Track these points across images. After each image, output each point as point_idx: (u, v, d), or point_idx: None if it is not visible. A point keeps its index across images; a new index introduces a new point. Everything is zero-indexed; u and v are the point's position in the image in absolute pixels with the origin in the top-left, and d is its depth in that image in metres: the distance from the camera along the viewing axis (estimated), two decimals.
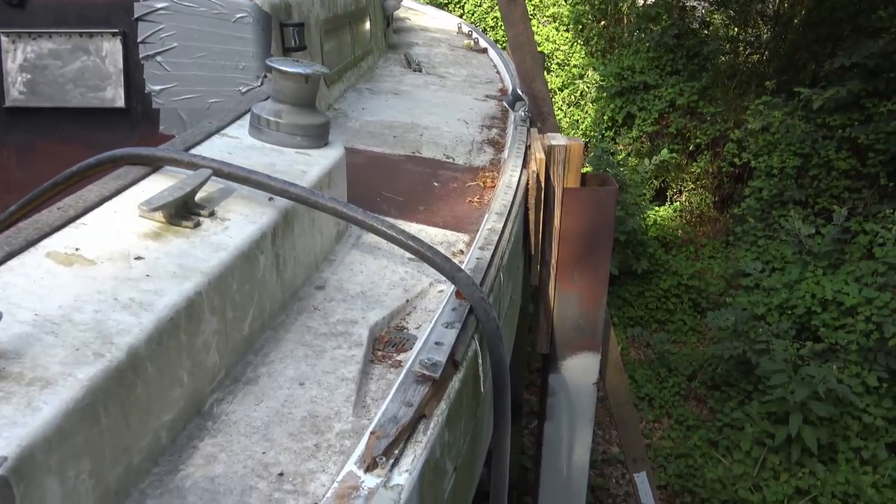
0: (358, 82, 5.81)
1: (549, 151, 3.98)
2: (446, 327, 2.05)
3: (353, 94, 5.48)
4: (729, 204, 10.97)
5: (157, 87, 3.93)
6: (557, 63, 14.68)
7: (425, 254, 2.16)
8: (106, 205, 2.12)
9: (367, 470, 1.54)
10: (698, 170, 11.32)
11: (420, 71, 6.75)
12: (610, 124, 12.55)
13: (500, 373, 2.17)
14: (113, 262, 1.85)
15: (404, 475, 1.58)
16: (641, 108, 12.03)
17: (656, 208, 11.32)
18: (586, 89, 13.52)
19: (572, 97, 13.87)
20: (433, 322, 2.10)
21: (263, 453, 1.77)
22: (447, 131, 4.82)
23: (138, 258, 1.89)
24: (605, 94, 12.62)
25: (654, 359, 8.88)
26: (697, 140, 11.29)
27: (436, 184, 3.82)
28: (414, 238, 2.19)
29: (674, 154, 11.22)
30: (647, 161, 10.78)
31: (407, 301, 2.59)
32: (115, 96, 3.93)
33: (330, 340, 2.28)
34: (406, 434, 1.68)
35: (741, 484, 6.87)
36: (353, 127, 4.67)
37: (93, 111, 3.96)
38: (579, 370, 4.48)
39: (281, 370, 2.10)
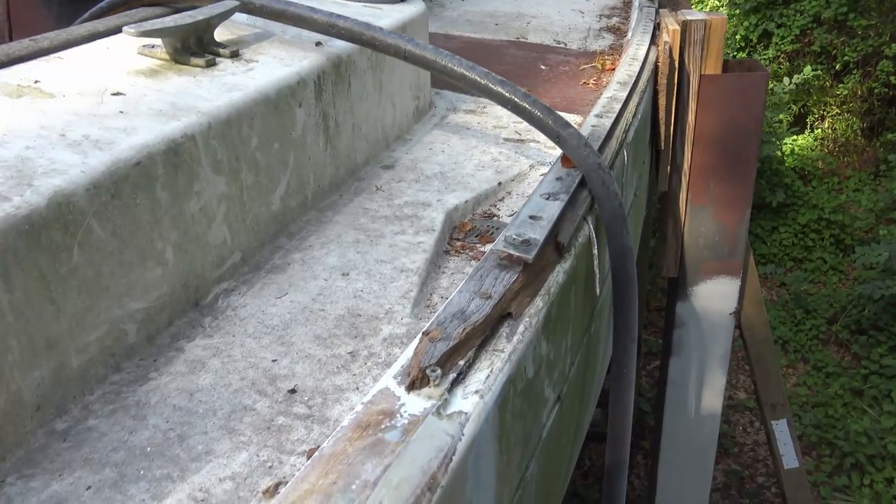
0: None
1: (685, 27, 3.25)
2: (547, 199, 1.44)
3: None
4: (880, 130, 9.86)
5: None
6: None
7: (518, 102, 1.55)
8: (97, 42, 1.61)
9: (412, 387, 0.97)
10: (845, 92, 10.15)
11: None
12: (743, 44, 11.43)
13: (623, 268, 1.56)
14: (79, 97, 1.33)
15: (471, 398, 1.00)
16: (780, 24, 10.88)
17: (794, 136, 10.25)
18: (717, 4, 12.34)
19: None
20: (531, 195, 1.51)
21: (274, 361, 1.23)
22: (558, 19, 4.14)
23: (117, 94, 1.37)
24: (738, 11, 11.50)
25: (789, 299, 8.17)
26: (845, 58, 10.09)
27: (543, 67, 3.18)
28: (502, 81, 1.58)
29: (817, 73, 10.02)
30: (785, 81, 9.65)
31: (499, 184, 1.99)
32: None
33: (391, 224, 1.71)
34: (478, 337, 1.09)
35: (891, 438, 6.31)
36: (450, 16, 4.06)
37: None
38: (714, 298, 3.78)
39: (320, 257, 1.55)
